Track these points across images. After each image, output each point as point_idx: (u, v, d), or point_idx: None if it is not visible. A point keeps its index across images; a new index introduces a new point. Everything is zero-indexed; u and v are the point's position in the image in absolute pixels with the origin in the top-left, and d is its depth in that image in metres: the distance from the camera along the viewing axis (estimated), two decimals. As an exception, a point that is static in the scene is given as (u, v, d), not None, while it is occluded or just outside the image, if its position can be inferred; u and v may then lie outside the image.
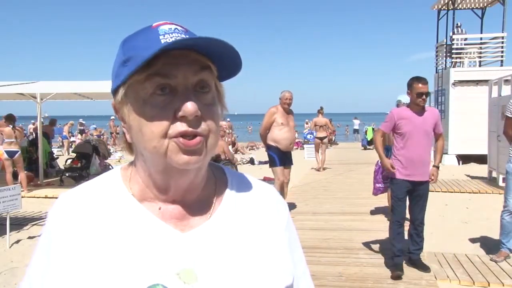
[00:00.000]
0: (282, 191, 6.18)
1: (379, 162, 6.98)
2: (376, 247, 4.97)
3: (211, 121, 0.68)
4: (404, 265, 4.22)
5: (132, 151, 0.76)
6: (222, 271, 0.69)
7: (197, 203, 0.75)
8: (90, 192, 0.75)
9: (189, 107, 0.65)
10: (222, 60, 0.69)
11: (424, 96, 4.03)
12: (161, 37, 0.67)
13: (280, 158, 6.10)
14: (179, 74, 0.66)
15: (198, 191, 0.75)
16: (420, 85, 4.03)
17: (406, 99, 7.40)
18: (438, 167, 4.28)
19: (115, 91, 0.71)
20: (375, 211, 6.92)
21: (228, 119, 21.46)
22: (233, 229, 0.74)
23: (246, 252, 0.72)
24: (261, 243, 0.75)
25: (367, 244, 5.08)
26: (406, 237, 4.42)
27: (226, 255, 0.71)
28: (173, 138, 0.66)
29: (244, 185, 0.82)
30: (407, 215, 4.38)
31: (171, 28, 0.68)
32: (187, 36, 0.68)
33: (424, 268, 4.24)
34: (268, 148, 6.17)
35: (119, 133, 0.81)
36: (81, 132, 22.22)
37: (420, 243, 4.33)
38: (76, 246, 0.69)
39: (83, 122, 23.19)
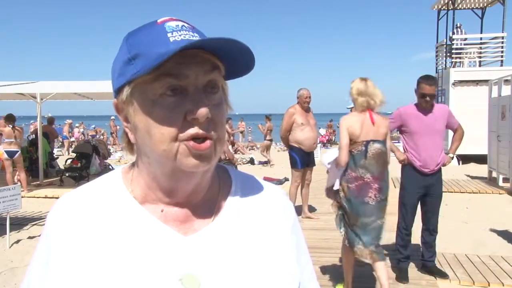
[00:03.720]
0: (295, 193, 6.17)
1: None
2: (376, 247, 4.96)
3: (220, 122, 0.67)
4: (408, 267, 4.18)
5: (133, 151, 0.74)
6: (226, 277, 0.67)
7: (200, 205, 0.72)
8: (89, 194, 0.73)
9: (202, 109, 0.63)
10: (232, 59, 0.67)
11: (427, 98, 3.81)
12: (169, 34, 0.64)
13: (303, 160, 5.98)
14: (190, 74, 0.64)
15: (202, 193, 0.73)
16: (426, 86, 3.81)
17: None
18: (452, 157, 4.09)
19: (118, 90, 0.69)
20: (375, 211, 6.91)
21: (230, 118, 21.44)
22: (237, 232, 0.71)
23: (251, 256, 0.70)
24: (266, 247, 0.72)
25: (367, 244, 5.07)
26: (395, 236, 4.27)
27: (230, 259, 0.68)
28: (183, 141, 0.64)
29: (249, 186, 0.79)
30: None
31: (178, 25, 0.66)
32: (196, 35, 0.66)
33: (442, 275, 4.09)
34: (291, 149, 6.04)
35: (119, 133, 0.79)
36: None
37: (434, 250, 4.18)
38: (76, 250, 0.67)
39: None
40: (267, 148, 14.63)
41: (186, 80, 0.64)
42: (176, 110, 0.64)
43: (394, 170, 4.16)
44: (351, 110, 7.51)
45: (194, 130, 0.64)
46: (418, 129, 3.92)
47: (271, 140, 14.87)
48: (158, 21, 0.67)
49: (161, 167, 0.68)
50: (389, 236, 5.17)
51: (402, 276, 4.02)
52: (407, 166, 4.03)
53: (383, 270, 3.30)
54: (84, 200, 0.72)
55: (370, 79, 3.41)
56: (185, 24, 0.67)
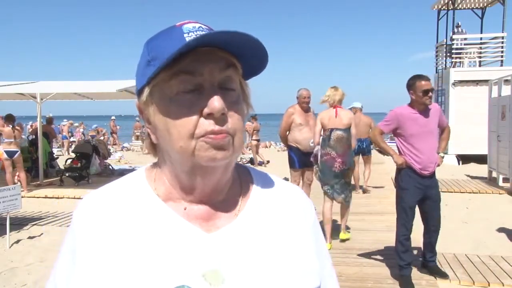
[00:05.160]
0: None
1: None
2: (376, 247, 4.96)
3: (237, 119, 0.67)
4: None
5: (156, 153, 0.75)
6: (249, 273, 0.68)
7: (222, 204, 0.73)
8: (114, 192, 0.74)
9: (216, 104, 0.63)
10: (247, 58, 0.69)
11: (430, 93, 3.75)
12: (185, 35, 0.66)
13: (300, 160, 5.98)
14: (205, 71, 0.65)
15: (224, 192, 0.74)
16: (423, 82, 3.76)
17: (359, 105, 8.33)
18: (442, 156, 4.05)
19: (139, 92, 0.71)
20: (375, 211, 6.92)
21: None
22: (259, 230, 0.73)
23: (273, 253, 0.71)
24: (288, 243, 0.74)
25: (367, 244, 5.08)
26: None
27: (253, 256, 0.69)
28: (200, 137, 0.65)
29: (269, 185, 0.81)
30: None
31: (195, 27, 0.68)
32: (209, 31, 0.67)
33: (442, 275, 4.06)
34: (290, 148, 6.10)
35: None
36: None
37: (435, 250, 4.13)
38: (101, 247, 0.68)
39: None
40: (256, 148, 14.72)
41: (202, 77, 0.65)
42: (192, 107, 0.65)
43: (393, 171, 4.12)
44: (351, 109, 7.90)
45: (209, 126, 0.64)
46: (415, 132, 3.83)
47: (258, 140, 14.95)
48: (177, 24, 0.69)
49: (181, 165, 0.69)
50: (390, 236, 5.18)
51: (406, 284, 3.88)
52: (405, 170, 3.91)
53: (346, 211, 5.25)
54: (108, 198, 0.73)
55: (338, 86, 5.07)
56: (202, 26, 0.69)
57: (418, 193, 3.91)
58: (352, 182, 7.93)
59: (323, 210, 5.01)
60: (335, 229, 5.30)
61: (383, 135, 4.17)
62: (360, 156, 8.50)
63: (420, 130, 3.84)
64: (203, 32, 0.66)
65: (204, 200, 0.72)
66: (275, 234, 0.73)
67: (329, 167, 4.87)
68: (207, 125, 0.64)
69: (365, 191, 8.57)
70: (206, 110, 0.64)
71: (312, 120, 6.05)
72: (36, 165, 10.63)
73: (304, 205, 0.81)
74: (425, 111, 3.86)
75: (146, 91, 0.69)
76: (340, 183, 4.96)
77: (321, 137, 4.97)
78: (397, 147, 3.99)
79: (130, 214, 0.71)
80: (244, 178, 0.79)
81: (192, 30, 0.67)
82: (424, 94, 3.76)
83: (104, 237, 0.69)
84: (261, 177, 0.82)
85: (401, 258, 3.96)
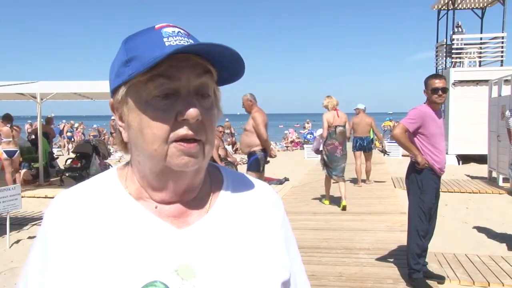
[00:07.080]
0: None
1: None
2: (376, 247, 4.96)
3: (210, 125, 0.70)
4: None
5: (127, 150, 0.76)
6: (220, 267, 0.70)
7: (193, 202, 0.75)
8: (86, 191, 0.75)
9: (192, 111, 0.66)
10: (224, 64, 0.70)
11: (440, 92, 3.78)
12: (165, 39, 0.67)
13: None
14: (182, 76, 0.67)
15: (196, 192, 0.76)
16: (435, 80, 3.83)
17: (362, 106, 9.33)
18: None
19: (115, 90, 0.72)
20: (375, 211, 6.92)
21: (227, 119, 21.35)
22: (229, 226, 0.75)
23: (243, 247, 0.73)
24: (257, 239, 0.76)
25: (367, 244, 5.07)
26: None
27: (223, 251, 0.71)
28: (173, 142, 0.67)
29: (239, 183, 0.83)
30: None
31: (174, 31, 0.69)
32: (191, 41, 0.69)
33: (440, 278, 4.01)
34: None
35: (115, 132, 0.81)
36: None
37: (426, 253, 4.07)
38: (73, 245, 0.69)
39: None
40: None
41: (178, 82, 0.67)
42: (168, 112, 0.67)
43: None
44: (356, 110, 9.71)
45: (184, 131, 0.67)
46: (435, 131, 3.82)
47: None
48: (156, 26, 0.70)
49: (151, 166, 0.71)
50: (390, 236, 5.19)
51: (426, 286, 3.80)
52: (426, 171, 3.82)
53: (343, 187, 7.02)
54: (80, 197, 0.74)
55: (331, 95, 7.08)
56: (181, 30, 0.71)
57: (435, 194, 3.90)
58: (355, 176, 9.47)
59: (325, 185, 7.39)
60: (337, 201, 7.20)
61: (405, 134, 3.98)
62: (362, 153, 9.27)
63: (438, 131, 3.85)
64: (182, 38, 0.68)
65: (174, 200, 0.74)
66: (245, 229, 0.76)
67: (333, 153, 6.88)
68: (181, 130, 0.67)
69: (367, 183, 9.34)
70: (181, 117, 0.66)
71: (250, 124, 6.02)
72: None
73: (274, 201, 0.84)
74: (438, 112, 3.90)
75: (122, 90, 0.70)
76: (340, 167, 6.93)
77: (328, 132, 6.81)
78: (419, 145, 3.86)
79: (102, 212, 0.72)
80: (214, 177, 0.81)
81: (171, 35, 0.68)
82: (433, 92, 3.81)
83: (75, 236, 0.69)
84: (231, 175, 0.84)
85: (417, 262, 3.86)
